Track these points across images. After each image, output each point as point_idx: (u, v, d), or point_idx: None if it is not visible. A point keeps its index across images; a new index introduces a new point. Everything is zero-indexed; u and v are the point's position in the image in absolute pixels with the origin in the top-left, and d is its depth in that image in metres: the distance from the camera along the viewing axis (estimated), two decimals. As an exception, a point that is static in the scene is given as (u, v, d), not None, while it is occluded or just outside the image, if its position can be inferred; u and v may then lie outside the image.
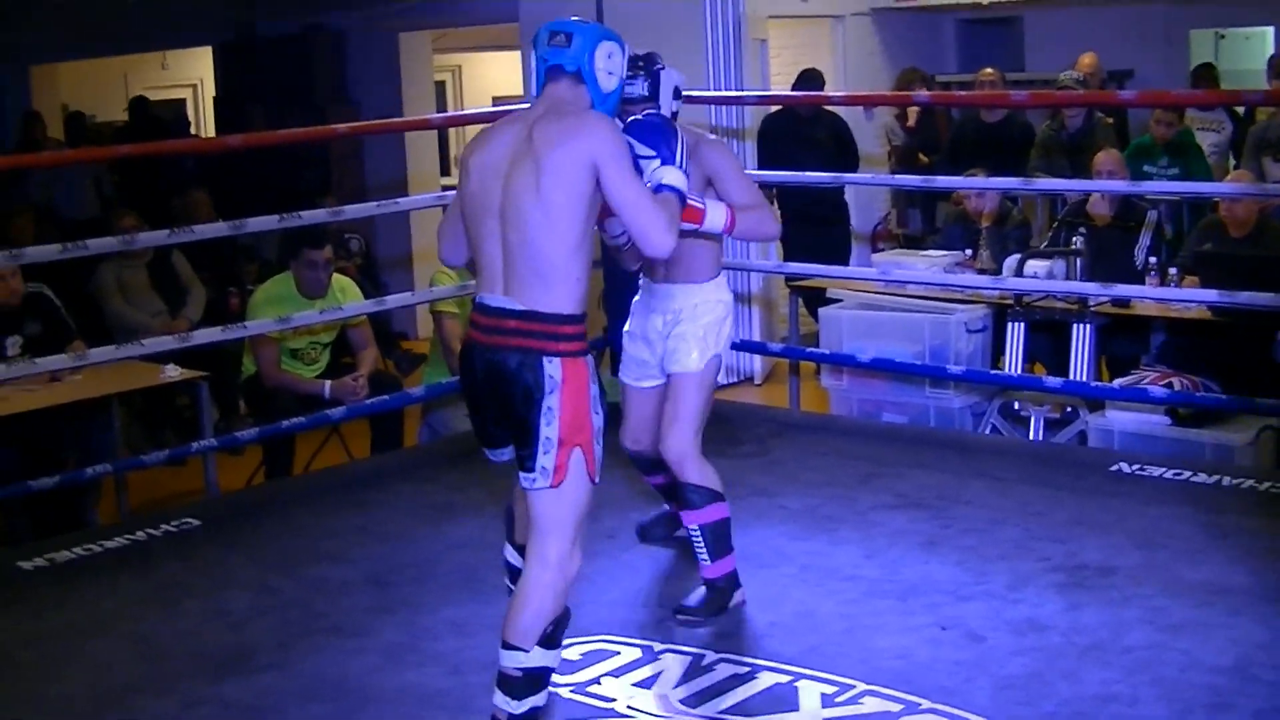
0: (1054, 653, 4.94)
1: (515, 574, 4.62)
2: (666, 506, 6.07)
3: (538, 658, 4.20)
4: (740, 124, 10.19)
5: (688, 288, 5.49)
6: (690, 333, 5.45)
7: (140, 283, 9.62)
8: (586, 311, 4.29)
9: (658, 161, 4.56)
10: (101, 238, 7.21)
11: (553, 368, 4.15)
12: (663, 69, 5.40)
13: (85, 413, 7.44)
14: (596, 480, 4.29)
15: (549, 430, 4.15)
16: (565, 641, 4.63)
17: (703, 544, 5.37)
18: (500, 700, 4.22)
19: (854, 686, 4.73)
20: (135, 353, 6.98)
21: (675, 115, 5.41)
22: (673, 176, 4.55)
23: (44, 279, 8.06)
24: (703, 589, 5.41)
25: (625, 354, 5.74)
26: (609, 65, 4.43)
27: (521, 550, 4.53)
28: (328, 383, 7.83)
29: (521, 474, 4.23)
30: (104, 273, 9.50)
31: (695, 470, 5.38)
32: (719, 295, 5.54)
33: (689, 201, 4.68)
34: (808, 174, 8.92)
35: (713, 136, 5.93)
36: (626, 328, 5.74)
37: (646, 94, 5.34)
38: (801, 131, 10.33)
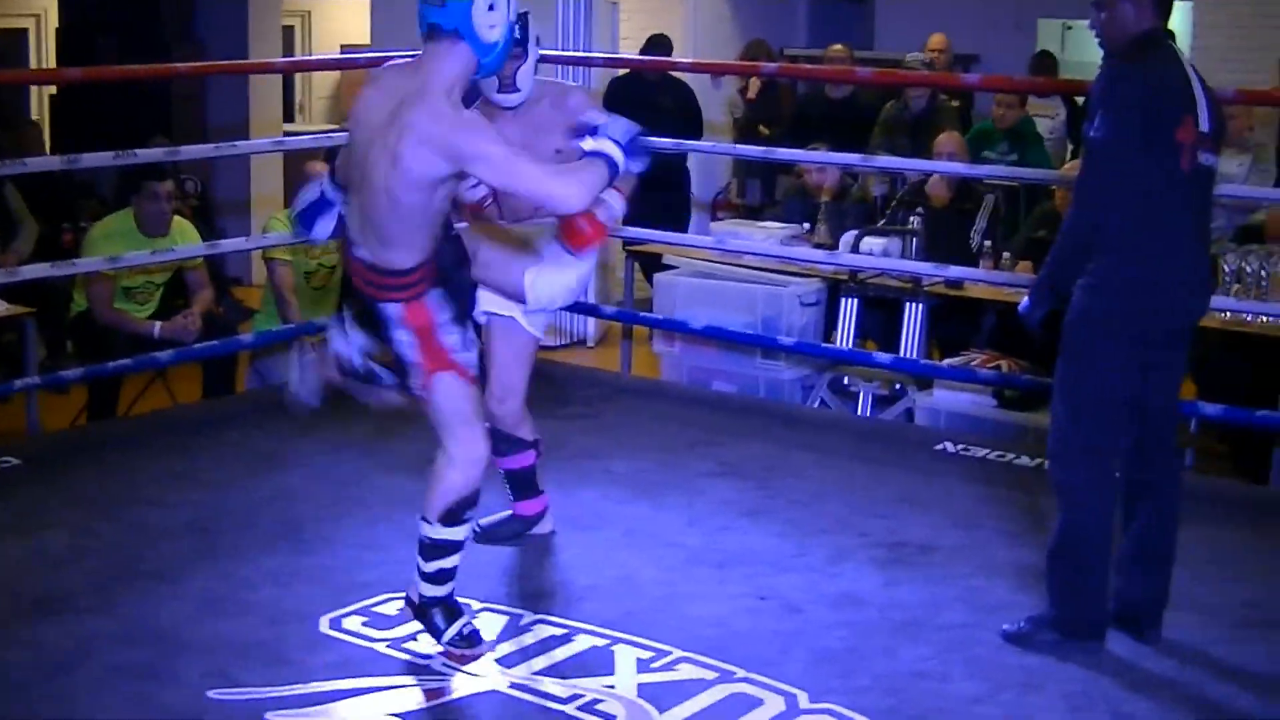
0: (870, 628, 5.00)
1: None
2: None
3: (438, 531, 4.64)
4: (587, 85, 10.17)
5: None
6: None
7: (-31, 214, 9.45)
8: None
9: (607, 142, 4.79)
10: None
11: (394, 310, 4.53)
12: (528, 13, 5.23)
13: (-94, 345, 7.30)
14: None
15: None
16: (384, 597, 4.66)
17: None
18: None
19: (670, 653, 4.76)
20: (-40, 285, 6.87)
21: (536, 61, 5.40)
22: (611, 151, 4.79)
23: None
24: None
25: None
26: (489, 19, 4.36)
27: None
28: (158, 324, 7.70)
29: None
30: (-69, 202, 9.31)
31: None
32: None
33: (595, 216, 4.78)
34: (651, 140, 8.89)
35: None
36: None
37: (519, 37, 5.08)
38: (648, 97, 10.30)
